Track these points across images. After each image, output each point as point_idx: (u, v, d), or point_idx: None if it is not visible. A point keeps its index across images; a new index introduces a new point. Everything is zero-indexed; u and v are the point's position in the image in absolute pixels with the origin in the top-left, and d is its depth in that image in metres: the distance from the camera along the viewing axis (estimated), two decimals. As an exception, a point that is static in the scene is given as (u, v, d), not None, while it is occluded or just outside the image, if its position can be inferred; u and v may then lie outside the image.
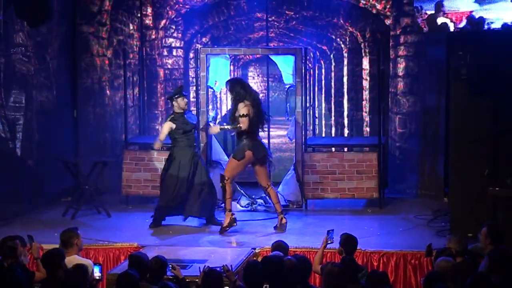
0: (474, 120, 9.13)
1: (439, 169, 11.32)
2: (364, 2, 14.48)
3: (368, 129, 16.85)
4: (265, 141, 12.50)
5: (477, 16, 11.49)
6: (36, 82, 11.34)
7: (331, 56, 21.93)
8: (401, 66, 13.05)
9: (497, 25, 11.13)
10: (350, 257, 7.21)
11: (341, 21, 17.22)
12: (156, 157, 11.28)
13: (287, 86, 11.76)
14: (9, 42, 10.72)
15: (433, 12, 12.04)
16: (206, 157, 10.94)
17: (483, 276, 6.33)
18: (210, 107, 11.28)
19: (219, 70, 11.49)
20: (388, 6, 13.86)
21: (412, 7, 12.44)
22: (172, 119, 9.96)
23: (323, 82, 24.79)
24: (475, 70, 8.93)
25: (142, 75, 13.08)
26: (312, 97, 14.93)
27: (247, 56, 29.00)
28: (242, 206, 11.08)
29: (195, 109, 11.81)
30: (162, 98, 15.18)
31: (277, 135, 21.74)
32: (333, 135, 21.65)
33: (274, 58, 12.23)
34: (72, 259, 7.15)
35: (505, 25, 10.91)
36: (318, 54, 23.13)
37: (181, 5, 15.34)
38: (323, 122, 24.17)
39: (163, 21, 15.18)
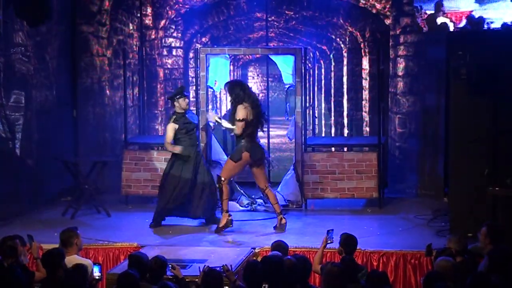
0: (474, 120, 9.13)
1: (439, 169, 11.32)
2: (364, 2, 14.49)
3: (367, 129, 16.86)
4: (264, 141, 12.53)
5: (476, 16, 11.49)
6: (36, 82, 11.34)
7: (331, 56, 21.94)
8: (401, 66, 13.05)
9: (497, 24, 11.13)
10: (350, 257, 7.20)
11: (341, 21, 17.23)
12: (155, 156, 11.29)
13: (287, 86, 11.76)
14: (8, 42, 10.71)
15: (433, 12, 12.04)
16: (206, 157, 10.93)
17: (483, 275, 6.33)
18: (210, 106, 11.27)
19: (218, 70, 11.49)
20: (387, 6, 13.87)
21: (411, 7, 12.45)
22: (174, 120, 9.96)
23: (322, 82, 24.81)
24: (475, 70, 8.93)
25: (141, 75, 13.08)
26: (311, 97, 14.92)
27: (247, 56, 29.04)
28: (242, 206, 11.08)
29: (195, 109, 11.80)
30: (162, 98, 15.18)
31: (276, 135, 21.77)
32: (332, 135, 21.68)
33: (273, 58, 12.23)
34: (72, 259, 7.14)
35: (505, 25, 10.90)
36: (317, 54, 23.14)
37: (180, 5, 15.34)
38: (323, 122, 24.19)
39: (163, 21, 15.19)
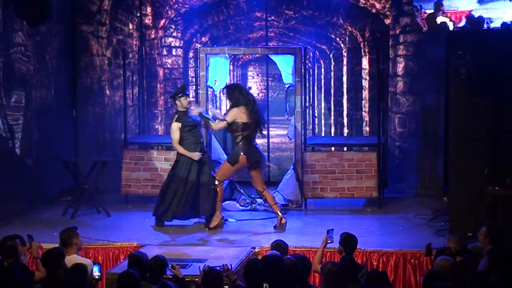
0: (474, 119, 9.13)
1: (438, 168, 11.32)
2: (363, 1, 14.49)
3: (367, 128, 16.87)
4: (264, 141, 12.55)
5: (476, 15, 11.49)
6: (36, 82, 11.34)
7: (331, 55, 21.95)
8: (401, 65, 13.05)
9: (496, 24, 11.13)
10: (350, 257, 7.21)
11: (341, 20, 17.23)
12: (155, 156, 11.28)
13: (287, 86, 11.76)
14: (8, 42, 10.70)
15: (432, 11, 12.04)
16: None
17: (483, 275, 6.33)
18: (210, 106, 11.27)
19: (218, 69, 11.50)
20: (387, 6, 13.87)
21: (411, 6, 12.44)
22: (177, 119, 9.96)
23: (322, 81, 24.83)
24: (475, 70, 8.93)
25: (141, 74, 13.08)
26: (311, 96, 14.93)
27: (247, 56, 29.05)
28: (241, 206, 11.09)
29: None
30: (162, 97, 15.18)
31: (276, 135, 21.78)
32: (332, 134, 21.70)
33: (273, 57, 12.23)
34: (72, 259, 7.14)
35: (504, 24, 10.90)
36: (317, 53, 23.16)
37: (180, 5, 15.34)
38: (323, 121, 24.20)
39: (163, 21, 15.19)
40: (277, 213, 9.77)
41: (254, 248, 8.67)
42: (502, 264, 6.60)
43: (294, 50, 11.35)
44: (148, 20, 14.66)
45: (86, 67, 12.53)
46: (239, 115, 9.66)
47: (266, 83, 18.40)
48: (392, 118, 13.32)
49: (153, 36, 14.86)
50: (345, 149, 12.30)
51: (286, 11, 17.37)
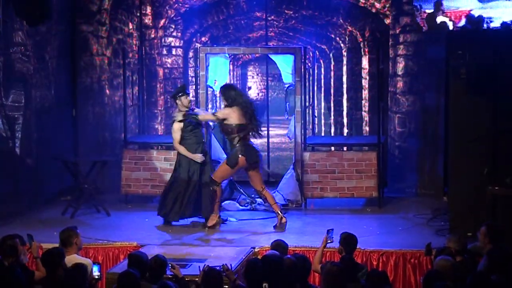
0: (474, 119, 9.13)
1: (438, 168, 11.32)
2: (363, 1, 14.49)
3: (367, 128, 16.87)
4: (264, 140, 12.54)
5: (476, 15, 11.48)
6: (36, 81, 11.33)
7: (331, 55, 21.96)
8: (401, 65, 13.05)
9: (496, 24, 11.13)
10: (350, 256, 7.21)
11: (341, 20, 17.23)
12: (155, 156, 11.29)
13: (287, 85, 11.75)
14: (8, 41, 10.70)
15: (432, 11, 12.03)
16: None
17: (483, 275, 6.33)
18: (210, 106, 11.27)
19: (218, 69, 11.50)
20: (387, 5, 13.87)
21: (411, 6, 12.44)
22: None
23: (322, 81, 24.83)
24: (475, 69, 8.93)
25: (141, 74, 13.08)
26: (311, 96, 14.90)
27: (247, 56, 29.05)
28: (241, 205, 11.08)
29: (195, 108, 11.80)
30: (162, 97, 15.18)
31: (276, 134, 21.78)
32: (332, 134, 21.70)
33: (273, 57, 12.23)
34: (72, 258, 7.14)
35: (504, 24, 10.90)
36: (317, 53, 23.15)
37: (180, 4, 15.34)
38: (323, 121, 24.21)
39: (163, 20, 15.19)
40: (277, 213, 9.77)
41: (254, 248, 8.67)
42: (502, 264, 6.60)
43: (294, 49, 11.35)
44: (148, 20, 14.66)
45: (86, 67, 12.52)
46: (231, 114, 9.65)
47: (266, 83, 18.42)
48: (392, 118, 13.32)
49: (153, 36, 14.86)
50: (345, 148, 12.30)
51: (286, 11, 17.37)
